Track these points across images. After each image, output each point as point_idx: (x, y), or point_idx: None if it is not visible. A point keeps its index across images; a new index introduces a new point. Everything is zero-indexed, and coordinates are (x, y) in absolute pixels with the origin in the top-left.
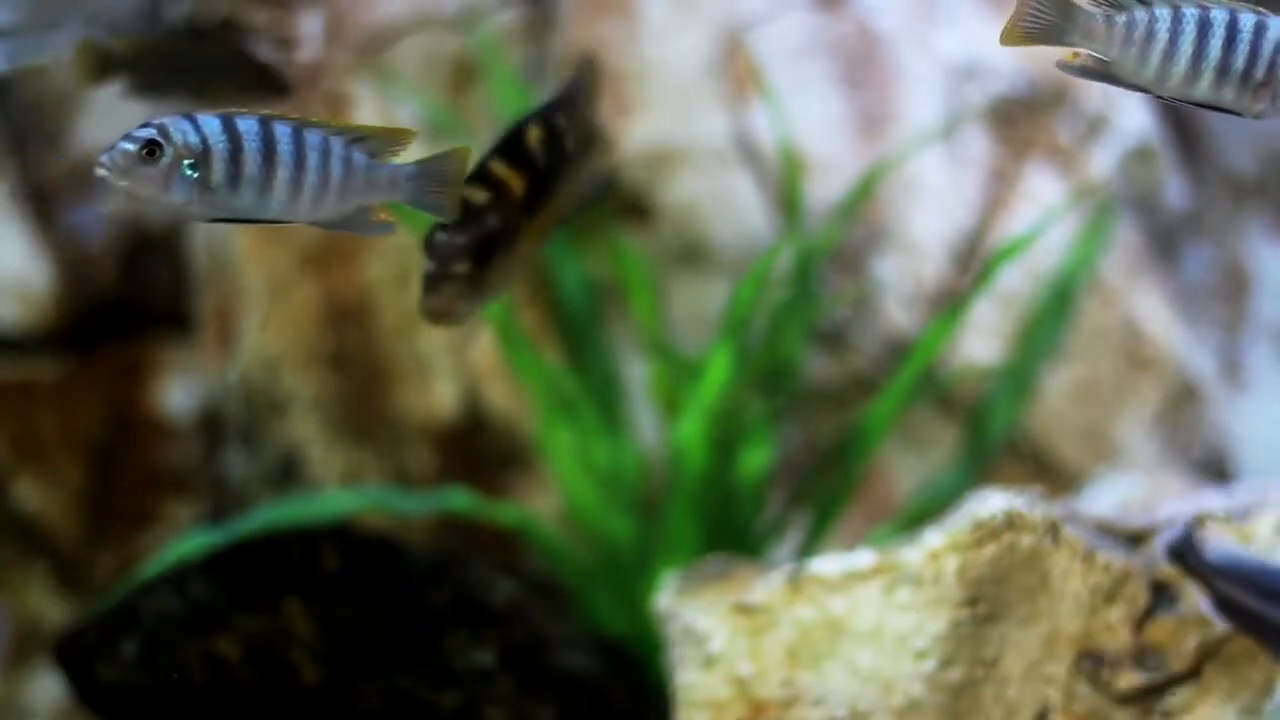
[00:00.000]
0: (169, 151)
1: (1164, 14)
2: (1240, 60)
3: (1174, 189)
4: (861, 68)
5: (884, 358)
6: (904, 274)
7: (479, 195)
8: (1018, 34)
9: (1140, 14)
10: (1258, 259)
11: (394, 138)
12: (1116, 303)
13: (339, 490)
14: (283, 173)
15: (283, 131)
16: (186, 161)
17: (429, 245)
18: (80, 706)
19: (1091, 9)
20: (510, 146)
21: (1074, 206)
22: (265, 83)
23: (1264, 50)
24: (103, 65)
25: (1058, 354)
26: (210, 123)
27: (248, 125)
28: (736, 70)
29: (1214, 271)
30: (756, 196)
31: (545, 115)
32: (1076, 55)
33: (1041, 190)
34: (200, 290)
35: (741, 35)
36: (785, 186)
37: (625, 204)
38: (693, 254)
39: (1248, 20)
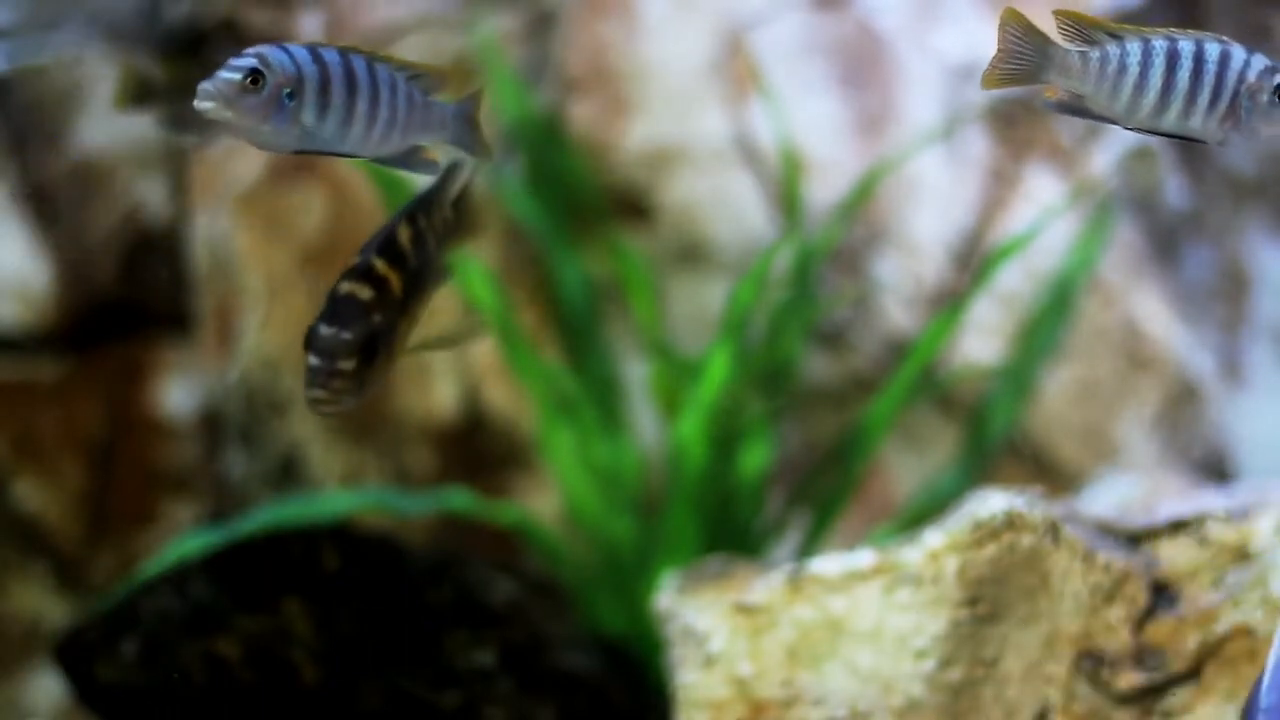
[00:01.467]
0: (270, 80)
1: (1135, 48)
2: (1206, 90)
3: (1174, 189)
4: (861, 68)
5: (884, 358)
6: (904, 274)
7: (364, 292)
8: (998, 77)
9: (1113, 49)
10: (1258, 259)
11: (442, 75)
12: (1116, 303)
13: (339, 490)
14: (361, 105)
15: (359, 64)
16: (285, 90)
17: (314, 340)
18: (80, 706)
19: (1068, 46)
20: (388, 245)
21: (1074, 206)
22: None
23: (1228, 80)
24: (141, 92)
25: (1058, 354)
26: (300, 52)
27: (331, 56)
28: (736, 70)
29: (1214, 271)
30: (756, 196)
31: (412, 215)
32: (1054, 91)
33: (1041, 190)
34: (200, 290)
35: (741, 35)
36: (785, 186)
37: (625, 204)
38: (693, 254)
39: (1213, 50)
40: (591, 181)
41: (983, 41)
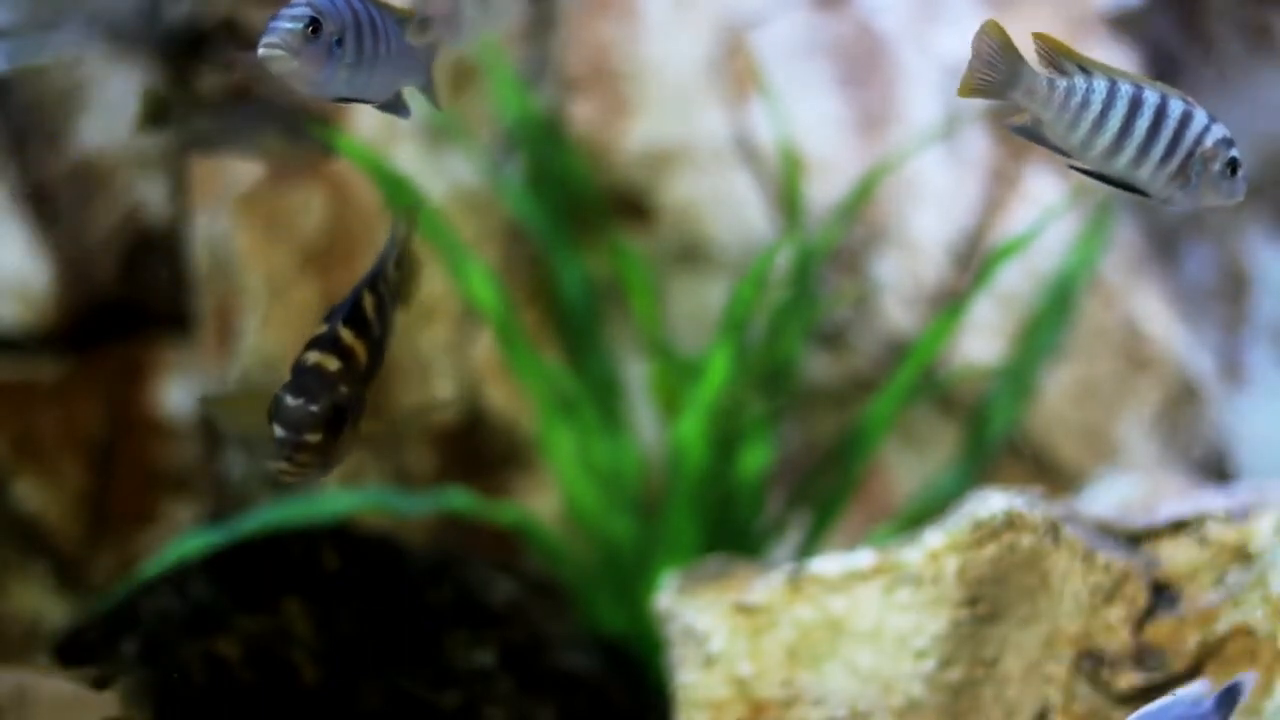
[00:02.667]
0: (325, 28)
1: (1101, 86)
2: (1161, 145)
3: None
4: (861, 68)
5: (884, 358)
6: (904, 274)
7: (331, 363)
8: (971, 86)
9: (1080, 82)
10: (1258, 259)
11: (407, 18)
12: (1116, 303)
13: (339, 490)
14: (381, 51)
15: (373, 9)
16: (335, 38)
17: (280, 412)
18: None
19: (1039, 71)
20: (353, 314)
21: (1074, 206)
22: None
23: (1185, 140)
24: (159, 113)
25: (1058, 354)
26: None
27: (356, 3)
28: (736, 70)
29: (1214, 271)
30: (756, 196)
31: (374, 281)
32: (1022, 116)
33: (1041, 190)
34: (200, 290)
35: (741, 35)
36: (785, 186)
37: (625, 204)
38: (693, 254)
39: (1176, 107)
40: (591, 181)
41: None
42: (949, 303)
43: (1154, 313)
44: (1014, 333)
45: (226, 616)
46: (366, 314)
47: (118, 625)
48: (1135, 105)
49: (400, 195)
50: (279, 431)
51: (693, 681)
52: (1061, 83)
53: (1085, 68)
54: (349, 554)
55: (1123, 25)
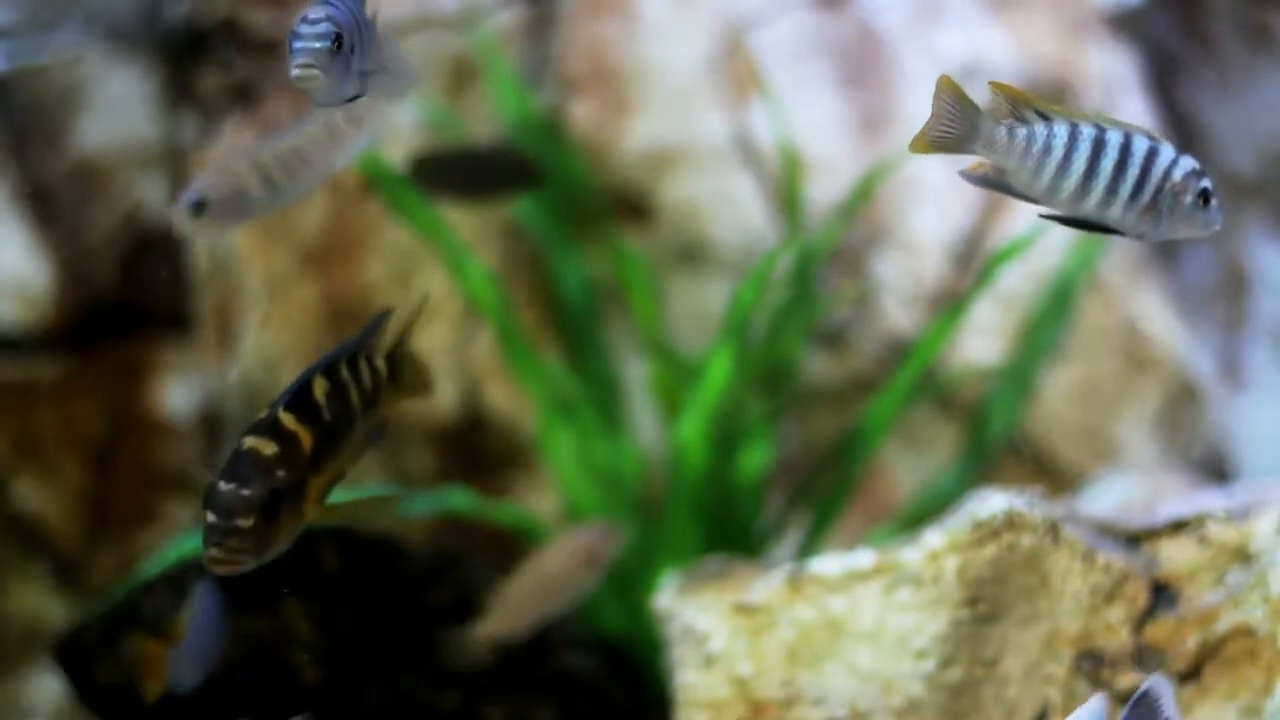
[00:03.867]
0: (345, 40)
1: (1062, 131)
2: (1129, 183)
3: None
4: (861, 68)
5: (884, 358)
6: (904, 274)
7: (267, 448)
8: (926, 142)
9: (1040, 129)
10: (1258, 259)
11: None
12: (1116, 303)
13: (339, 490)
14: (374, 50)
15: (363, 8)
16: (350, 46)
17: (211, 497)
18: (80, 706)
19: (996, 123)
20: (298, 398)
21: None
22: (522, 172)
23: (1153, 176)
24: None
25: (1058, 354)
26: (343, 4)
27: (354, 3)
28: (736, 70)
29: (1214, 271)
30: (756, 196)
31: (331, 367)
32: (980, 165)
33: None
34: (200, 290)
35: (741, 35)
36: (785, 186)
37: (625, 204)
38: (693, 254)
39: (1140, 144)
40: (591, 181)
41: (983, 41)
42: (949, 303)
43: (1154, 313)
44: (1014, 333)
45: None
46: (316, 399)
47: (118, 625)
48: (1099, 146)
49: (401, 195)
50: (209, 517)
51: (693, 681)
52: (1021, 131)
53: (1044, 114)
54: (349, 554)
55: (1123, 25)
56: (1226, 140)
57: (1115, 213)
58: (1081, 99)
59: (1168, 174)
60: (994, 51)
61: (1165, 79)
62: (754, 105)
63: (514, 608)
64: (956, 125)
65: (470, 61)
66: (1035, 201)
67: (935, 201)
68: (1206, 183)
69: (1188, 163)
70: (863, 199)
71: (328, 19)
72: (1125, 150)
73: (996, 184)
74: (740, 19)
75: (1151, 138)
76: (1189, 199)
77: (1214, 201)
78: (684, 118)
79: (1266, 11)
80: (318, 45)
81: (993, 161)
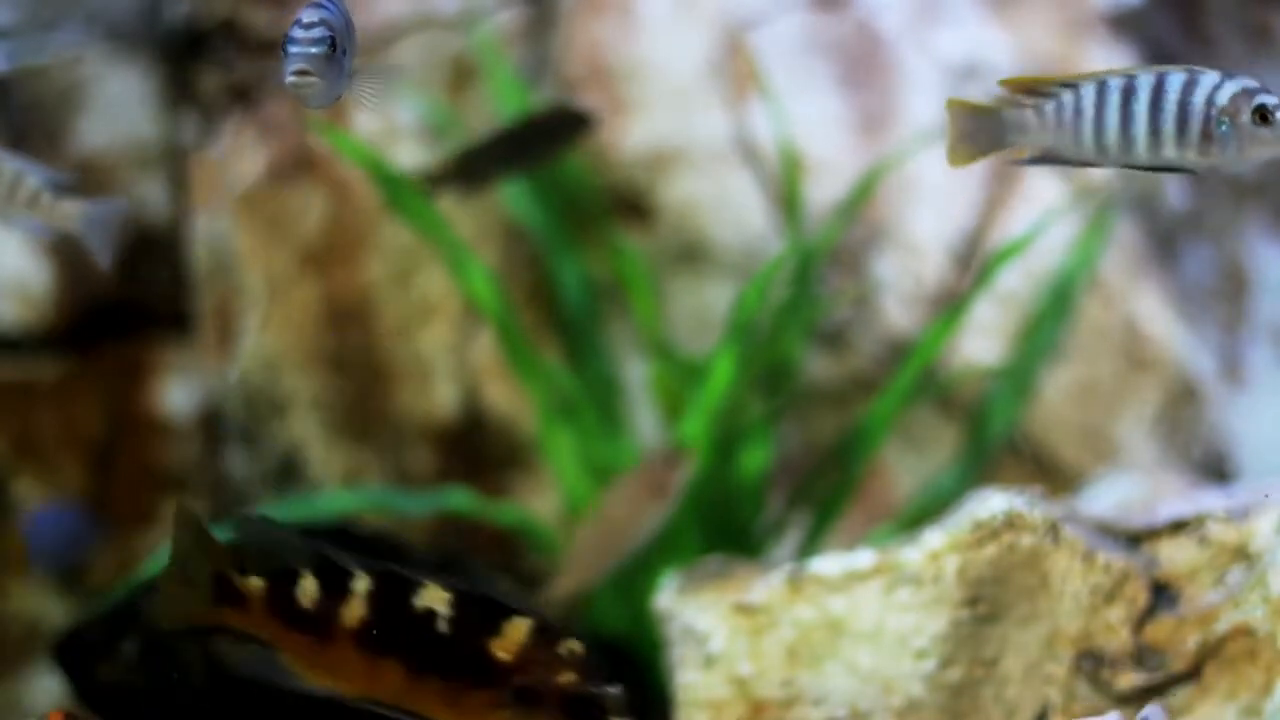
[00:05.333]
0: (339, 42)
1: (1089, 90)
2: (1169, 119)
3: (1174, 189)
4: (861, 68)
5: (884, 358)
6: (904, 274)
7: None
8: (963, 154)
9: (1067, 96)
10: (1258, 259)
11: None
12: (1116, 303)
13: (339, 490)
14: (352, 49)
15: (341, 8)
16: (342, 47)
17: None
18: (80, 706)
19: (1019, 105)
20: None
21: (1074, 207)
22: (571, 122)
23: (1194, 105)
24: (436, 180)
25: (1058, 354)
26: (333, 5)
27: (342, 4)
28: (736, 70)
29: (1214, 271)
30: (756, 196)
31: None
32: (1022, 152)
33: (1041, 190)
34: (200, 290)
35: (741, 35)
36: (785, 186)
37: (625, 204)
38: (693, 254)
39: (1175, 80)
40: (591, 181)
41: (983, 41)
42: (949, 303)
43: (1154, 313)
44: (1014, 333)
45: None
46: None
47: (118, 625)
48: (1127, 93)
49: (401, 195)
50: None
51: (693, 681)
52: (1048, 105)
53: (1067, 83)
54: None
55: (1123, 25)
56: None
57: (1170, 151)
58: None
59: (1210, 100)
60: (994, 51)
61: None
62: (754, 105)
63: (585, 559)
64: (983, 133)
65: (470, 61)
66: (1094, 165)
67: (935, 201)
68: (1264, 99)
69: (1234, 84)
70: (863, 199)
71: (322, 22)
72: (1158, 88)
73: (1049, 159)
74: (740, 19)
75: (1190, 70)
76: (1245, 119)
77: (1278, 115)
78: (684, 118)
79: (1266, 11)
80: (314, 50)
81: (1034, 143)
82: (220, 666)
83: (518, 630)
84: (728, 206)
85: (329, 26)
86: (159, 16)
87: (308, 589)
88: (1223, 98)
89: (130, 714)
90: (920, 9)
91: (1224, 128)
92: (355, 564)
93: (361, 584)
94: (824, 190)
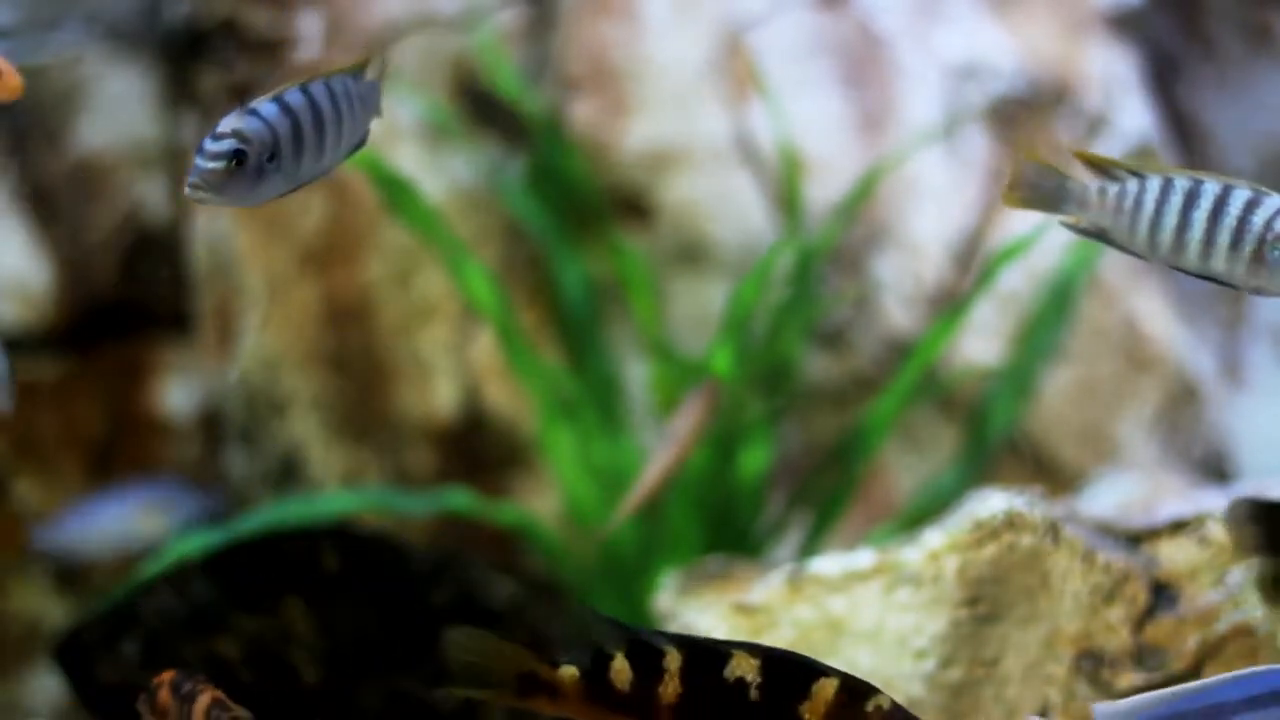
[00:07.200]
0: (252, 155)
1: (1154, 185)
2: (1226, 233)
3: None
4: (861, 68)
5: (884, 358)
6: (904, 274)
7: None
8: (1018, 200)
9: (1132, 185)
10: None
11: (362, 66)
12: (1116, 303)
13: (339, 490)
14: (330, 128)
15: (319, 92)
16: (266, 157)
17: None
18: (80, 706)
19: (1086, 181)
20: None
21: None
22: None
23: (1252, 225)
24: None
25: (1058, 354)
26: (270, 110)
27: (295, 98)
28: (736, 70)
29: None
30: (756, 196)
31: None
32: (1077, 220)
33: None
34: (200, 290)
35: (741, 35)
36: (785, 186)
37: (625, 204)
38: (693, 254)
39: (1239, 196)
40: (591, 181)
41: (983, 41)
42: (949, 303)
43: (1154, 313)
44: (1014, 333)
45: (226, 616)
46: None
47: (118, 625)
48: (1191, 198)
49: (400, 195)
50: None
51: None
52: (1113, 188)
53: (1135, 171)
54: (349, 554)
55: (1123, 25)
56: (1226, 140)
57: (1218, 264)
58: (1081, 101)
59: (1270, 224)
60: (994, 51)
61: (1165, 79)
62: (754, 105)
63: (644, 486)
64: (1046, 184)
65: (470, 61)
66: (1141, 258)
67: (935, 201)
68: None
69: None
70: (862, 199)
71: (234, 134)
72: (1221, 201)
73: (1100, 237)
74: (740, 19)
75: (1256, 189)
76: None
77: None
78: (684, 118)
79: (1266, 11)
80: (211, 165)
81: (1089, 220)
82: None
83: (826, 691)
84: (728, 206)
85: (241, 138)
86: (159, 16)
87: (620, 671)
88: None
89: (130, 714)
90: (920, 9)
91: (1277, 253)
92: (663, 640)
93: (673, 661)
94: (824, 190)
